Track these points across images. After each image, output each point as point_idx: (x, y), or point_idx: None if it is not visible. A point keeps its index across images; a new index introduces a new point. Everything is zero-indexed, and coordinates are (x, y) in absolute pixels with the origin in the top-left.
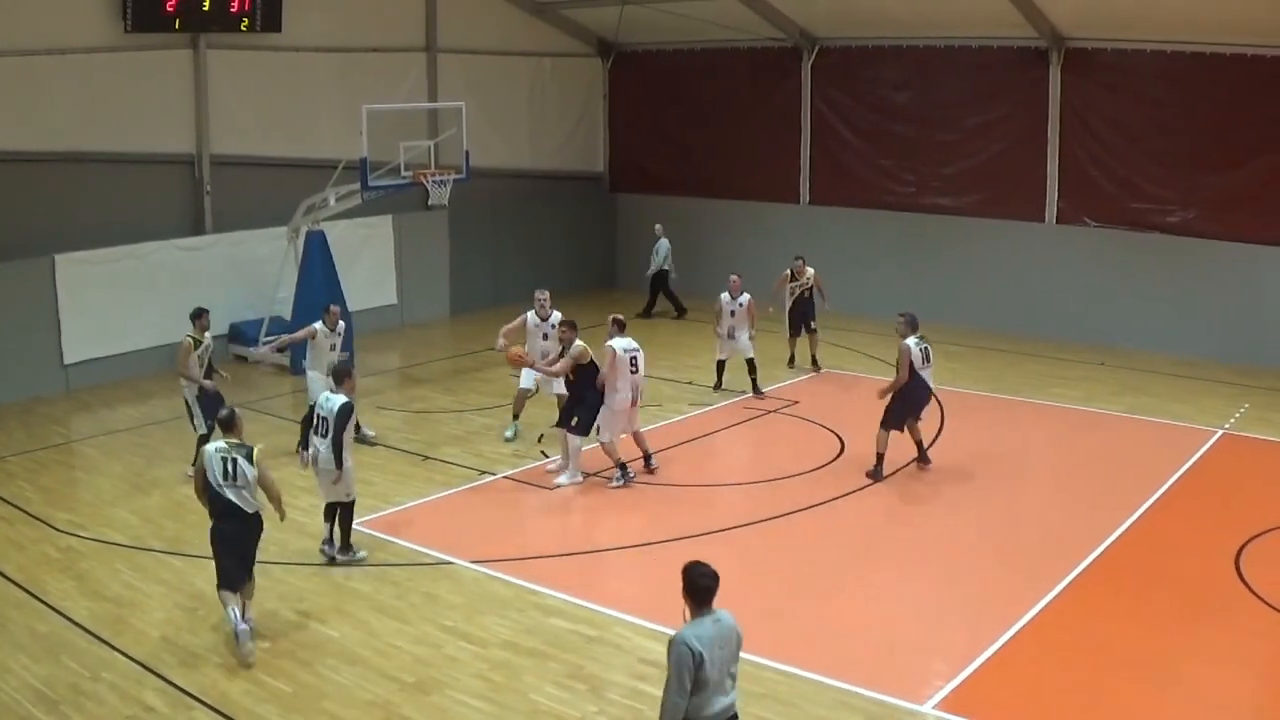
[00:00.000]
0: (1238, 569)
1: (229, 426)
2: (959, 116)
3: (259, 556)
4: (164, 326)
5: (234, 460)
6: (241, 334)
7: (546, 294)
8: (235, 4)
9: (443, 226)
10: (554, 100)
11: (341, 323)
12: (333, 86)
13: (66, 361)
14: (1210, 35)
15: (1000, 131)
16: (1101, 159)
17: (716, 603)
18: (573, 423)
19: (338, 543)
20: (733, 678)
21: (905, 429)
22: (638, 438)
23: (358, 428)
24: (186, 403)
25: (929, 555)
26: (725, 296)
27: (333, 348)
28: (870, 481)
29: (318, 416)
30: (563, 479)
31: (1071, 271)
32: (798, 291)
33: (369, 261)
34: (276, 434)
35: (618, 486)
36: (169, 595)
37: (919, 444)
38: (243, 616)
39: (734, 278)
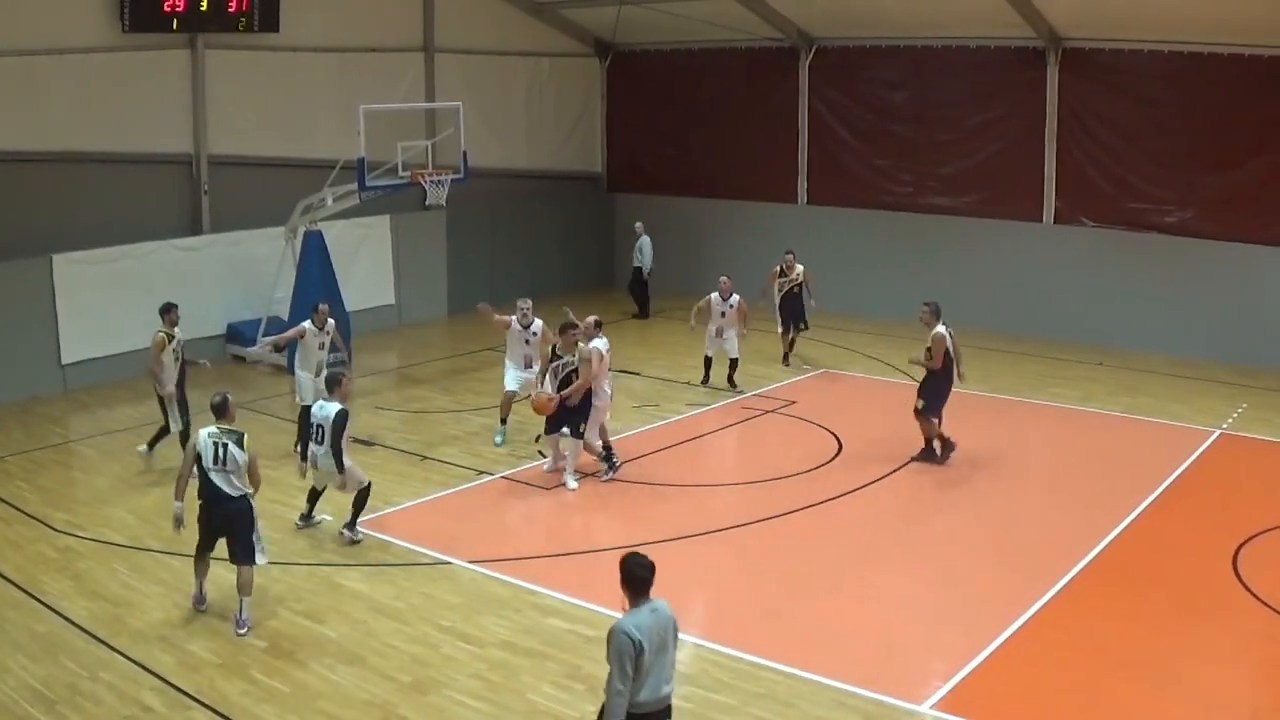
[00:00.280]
0: (1235, 569)
1: (221, 412)
2: (957, 116)
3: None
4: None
5: (224, 445)
6: (239, 334)
7: (529, 302)
8: (233, 4)
9: (440, 226)
10: (551, 100)
11: (331, 321)
12: (330, 86)
13: (64, 361)
14: (1207, 35)
15: (998, 131)
16: (1099, 159)
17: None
18: (580, 428)
19: (327, 518)
20: (671, 665)
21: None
22: (603, 431)
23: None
24: (160, 400)
25: (927, 555)
26: (715, 297)
27: (321, 346)
28: (939, 464)
29: (314, 425)
30: (573, 482)
31: (1069, 272)
32: (787, 287)
33: (366, 261)
34: (274, 434)
35: (609, 478)
36: (167, 595)
37: (941, 437)
38: (240, 615)
39: (724, 280)
